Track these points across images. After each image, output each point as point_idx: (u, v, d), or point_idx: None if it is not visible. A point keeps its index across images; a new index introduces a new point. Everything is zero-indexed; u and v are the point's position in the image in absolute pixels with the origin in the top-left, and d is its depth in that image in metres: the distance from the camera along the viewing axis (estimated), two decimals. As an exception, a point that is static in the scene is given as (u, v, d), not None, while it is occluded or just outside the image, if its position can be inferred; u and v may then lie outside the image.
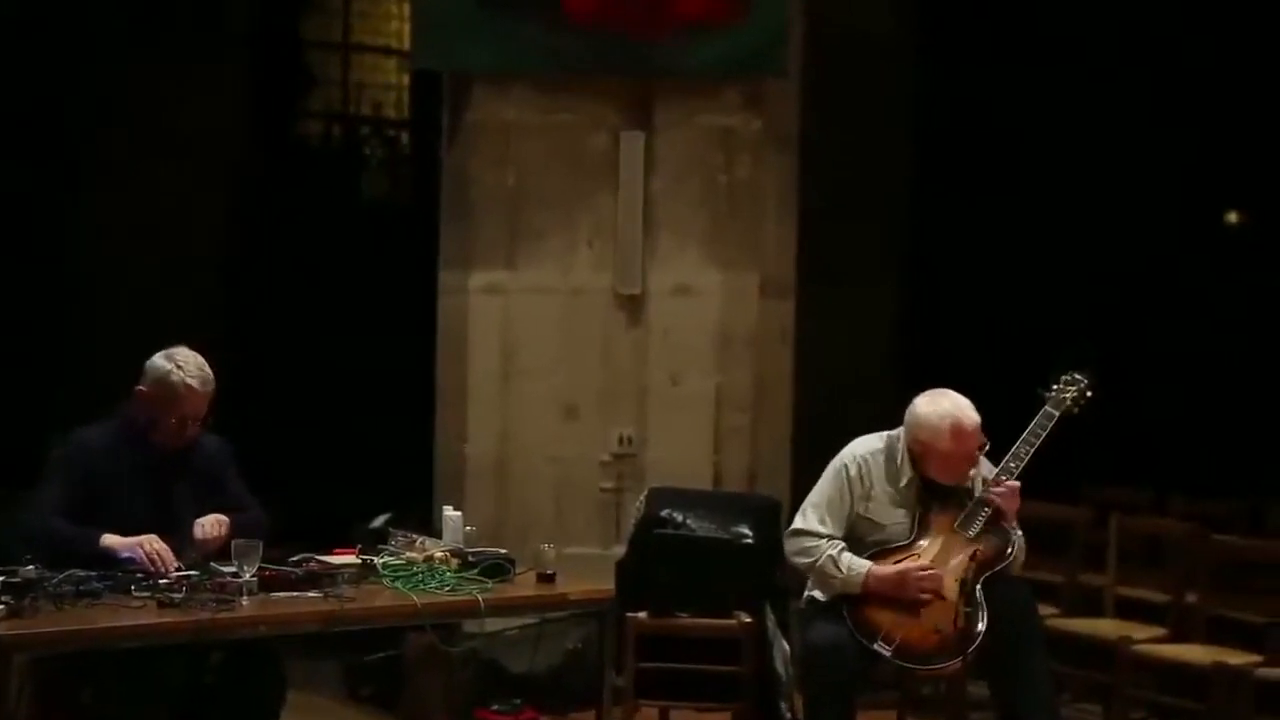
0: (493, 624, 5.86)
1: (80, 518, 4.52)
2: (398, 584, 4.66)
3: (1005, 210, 9.80)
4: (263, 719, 4.61)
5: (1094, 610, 6.73)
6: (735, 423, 6.86)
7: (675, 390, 6.81)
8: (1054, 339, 7.73)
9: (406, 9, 10.34)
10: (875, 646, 4.89)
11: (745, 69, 6.80)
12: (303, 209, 10.54)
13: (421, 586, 4.65)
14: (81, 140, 9.42)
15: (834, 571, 4.97)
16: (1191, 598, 6.35)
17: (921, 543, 5.00)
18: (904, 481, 5.05)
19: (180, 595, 4.28)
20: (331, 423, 9.64)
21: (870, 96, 9.33)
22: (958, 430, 4.95)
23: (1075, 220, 9.84)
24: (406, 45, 10.13)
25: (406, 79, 11.19)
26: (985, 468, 5.11)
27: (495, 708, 6.13)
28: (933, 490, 5.06)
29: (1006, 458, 5.02)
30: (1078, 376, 5.16)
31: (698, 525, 6.03)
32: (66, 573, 4.28)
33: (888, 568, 4.95)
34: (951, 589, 4.88)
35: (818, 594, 5.11)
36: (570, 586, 4.93)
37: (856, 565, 4.96)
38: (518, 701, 6.15)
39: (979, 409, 5.04)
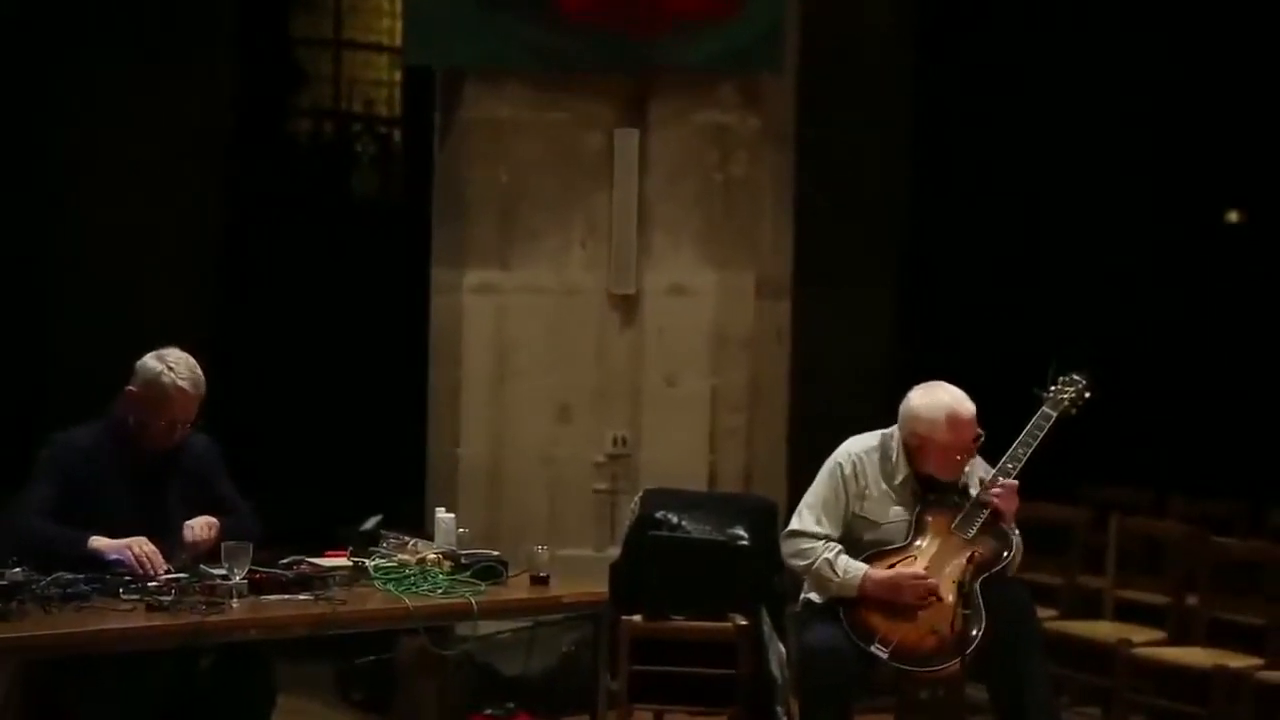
0: (486, 627, 5.85)
1: (68, 519, 4.51)
2: (390, 586, 4.67)
3: (1004, 209, 9.81)
4: (253, 723, 4.61)
5: (1093, 613, 6.74)
6: (731, 424, 6.85)
7: (670, 391, 6.81)
8: (1053, 338, 7.73)
9: (398, 5, 10.37)
10: (872, 649, 4.90)
11: (741, 65, 6.79)
12: (293, 207, 10.54)
13: (414, 589, 4.66)
14: (70, 137, 9.41)
15: (830, 574, 4.98)
16: (1192, 600, 6.36)
17: (918, 544, 5.02)
18: (899, 479, 5.07)
19: (169, 598, 4.28)
20: (323, 423, 9.64)
21: (868, 94, 9.34)
22: (954, 420, 4.98)
23: (1074, 219, 9.86)
24: (398, 41, 10.15)
25: (398, 76, 11.19)
26: (981, 468, 5.13)
27: (488, 712, 6.13)
28: (929, 487, 5.07)
29: (1004, 459, 5.04)
30: (1076, 377, 5.18)
31: (693, 527, 6.03)
32: (54, 575, 4.28)
33: (884, 571, 4.96)
34: (949, 591, 4.88)
35: (814, 596, 5.12)
36: (564, 589, 4.94)
37: (853, 568, 4.97)
38: (511, 705, 6.15)
39: (977, 409, 5.06)
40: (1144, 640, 6.27)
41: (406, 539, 5.02)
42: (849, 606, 4.97)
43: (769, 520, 6.11)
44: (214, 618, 4.23)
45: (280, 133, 11.13)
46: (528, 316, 6.80)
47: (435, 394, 6.99)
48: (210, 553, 4.55)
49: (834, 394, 8.31)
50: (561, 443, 6.80)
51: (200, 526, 4.60)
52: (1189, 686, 6.04)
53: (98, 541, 4.46)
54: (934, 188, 9.84)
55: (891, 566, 4.99)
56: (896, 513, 5.07)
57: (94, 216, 9.45)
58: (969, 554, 4.91)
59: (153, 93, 9.55)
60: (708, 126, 6.82)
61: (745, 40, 6.74)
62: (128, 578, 4.38)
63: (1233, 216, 10.34)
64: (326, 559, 4.77)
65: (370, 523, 5.12)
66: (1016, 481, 5.01)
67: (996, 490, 4.97)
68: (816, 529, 5.05)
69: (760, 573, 5.93)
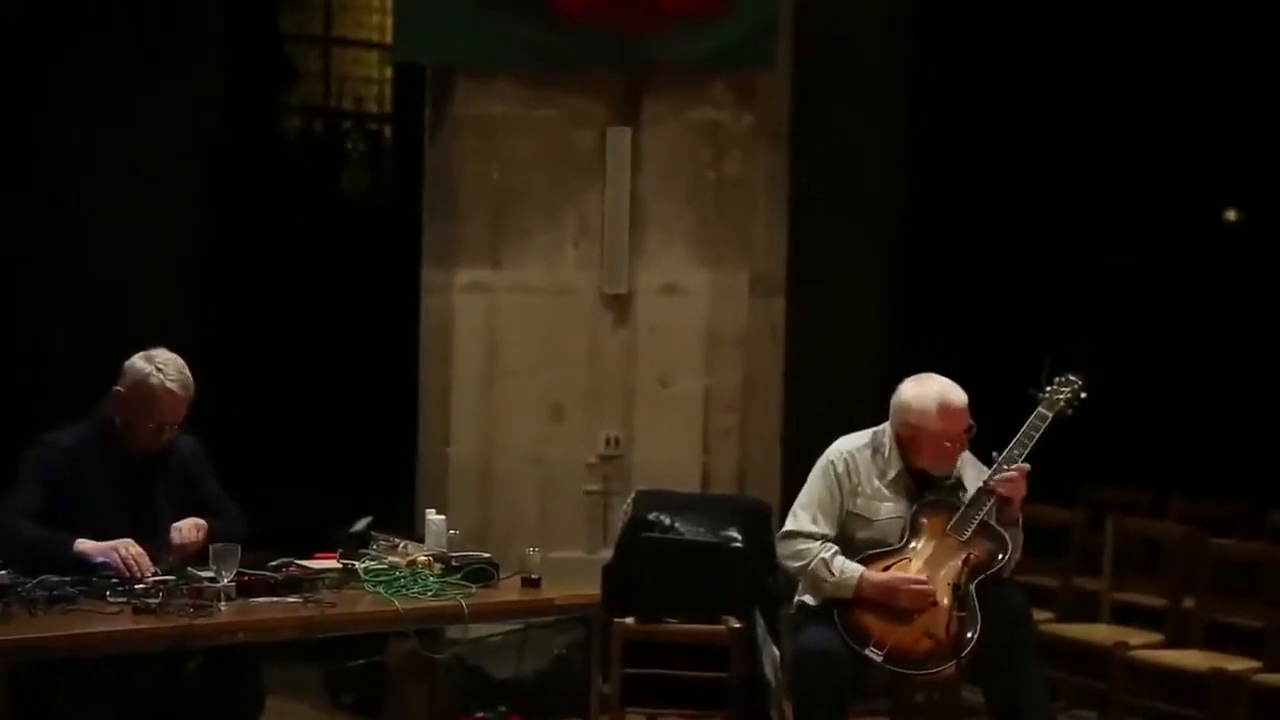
0: (477, 630, 5.88)
1: (54, 521, 4.51)
2: (379, 589, 4.67)
3: (1002, 207, 9.82)
4: (241, 727, 4.62)
5: (1090, 615, 6.75)
6: (724, 424, 6.86)
7: (663, 391, 6.82)
8: (1051, 338, 7.74)
9: (388, 1, 10.35)
10: (867, 652, 4.91)
11: (735, 62, 6.80)
12: (282, 205, 10.53)
13: (404, 591, 4.66)
14: (57, 135, 9.41)
15: (826, 575, 4.99)
16: (1189, 602, 6.37)
17: (913, 546, 5.03)
18: (892, 474, 5.10)
19: (157, 601, 4.28)
20: (312, 424, 9.64)
21: (864, 90, 9.35)
22: (946, 408, 5.02)
23: (1073, 218, 9.87)
24: (388, 38, 10.13)
25: (388, 72, 11.19)
26: (974, 466, 5.15)
27: (479, 715, 6.13)
28: (922, 482, 5.10)
29: (999, 459, 5.05)
30: (1072, 378, 5.19)
31: (686, 528, 6.04)
32: (40, 578, 4.28)
33: (881, 574, 4.98)
34: (944, 593, 4.90)
35: (808, 599, 5.13)
36: (556, 591, 4.94)
37: (849, 569, 4.99)
38: (502, 709, 6.15)
39: (975, 409, 5.08)
40: (1141, 643, 6.28)
41: (396, 541, 5.03)
42: (844, 609, 4.98)
43: (763, 522, 6.13)
44: (202, 620, 4.23)
45: (269, 130, 11.13)
46: (519, 316, 6.80)
47: (426, 394, 7.00)
48: (198, 555, 4.55)
49: (829, 393, 8.32)
50: (553, 443, 6.80)
51: (188, 528, 4.60)
52: (1186, 690, 6.05)
53: (84, 544, 4.46)
54: (931, 185, 9.85)
55: (887, 569, 5.00)
56: (890, 509, 5.09)
57: (81, 215, 9.45)
58: (964, 556, 4.92)
59: (153, 93, 9.57)
60: (701, 124, 6.83)
61: (739, 37, 6.75)
62: (114, 580, 4.38)
63: (1231, 215, 10.35)
64: (316, 561, 4.77)
65: (360, 524, 5.13)
66: (1027, 465, 5.02)
67: (1003, 478, 4.98)
68: (813, 528, 5.06)
69: (754, 575, 5.95)
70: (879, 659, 4.91)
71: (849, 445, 5.16)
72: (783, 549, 5.14)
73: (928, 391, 5.07)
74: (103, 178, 9.40)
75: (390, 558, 4.91)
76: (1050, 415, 5.12)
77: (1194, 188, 9.83)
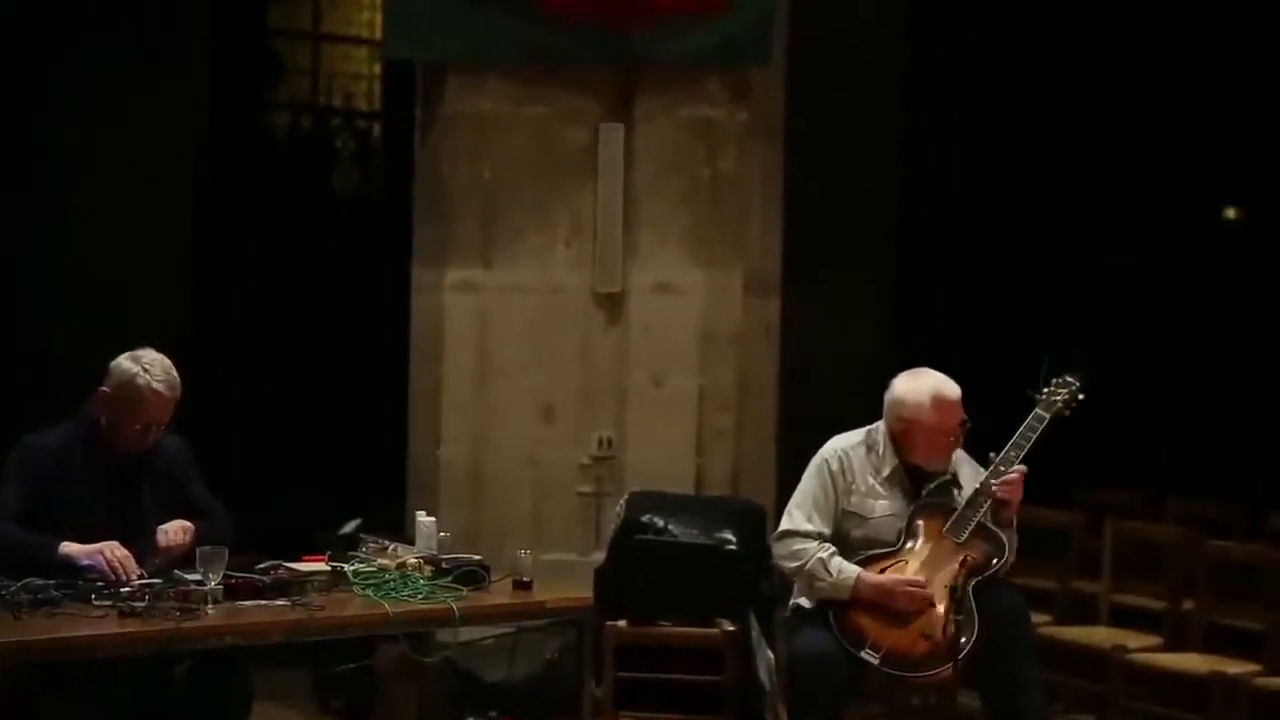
0: (467, 633, 5.86)
1: (38, 522, 4.50)
2: (369, 592, 4.66)
3: (997, 205, 9.82)
4: (229, 732, 4.60)
5: (1088, 618, 6.75)
6: (718, 424, 6.85)
7: (656, 391, 6.81)
8: (1049, 339, 7.74)
9: (378, -3, 10.33)
10: (863, 654, 4.92)
11: (730, 60, 6.79)
12: (270, 203, 10.51)
13: (393, 594, 4.65)
14: (57, 135, 9.41)
15: (823, 575, 5.00)
16: (1188, 605, 6.37)
17: (910, 547, 5.04)
18: (887, 471, 5.11)
19: (143, 604, 4.27)
20: (300, 425, 9.63)
21: (858, 87, 9.34)
22: (940, 401, 5.04)
23: (1071, 218, 9.87)
24: (378, 34, 10.12)
25: (378, 69, 11.18)
26: (970, 466, 5.15)
27: (470, 719, 6.12)
28: (917, 479, 5.10)
29: (996, 461, 5.05)
30: (1069, 379, 5.21)
31: (679, 530, 6.04)
32: (24, 581, 4.27)
33: (878, 576, 4.98)
34: (941, 595, 4.90)
35: (804, 601, 5.13)
36: (548, 594, 4.94)
37: (846, 570, 5.00)
38: (493, 713, 6.15)
39: (971, 410, 5.08)
40: (1139, 646, 6.27)
41: (386, 543, 5.02)
42: (839, 610, 4.99)
43: (757, 524, 6.12)
44: (189, 624, 4.22)
45: (257, 127, 11.11)
46: (511, 315, 6.79)
47: (416, 394, 6.99)
48: (184, 557, 4.54)
49: (824, 393, 8.30)
50: (545, 444, 6.79)
51: (174, 531, 4.59)
52: (1185, 693, 6.05)
53: (69, 548, 4.45)
54: (926, 183, 9.85)
55: (883, 571, 5.01)
56: (885, 507, 5.10)
57: (67, 213, 9.44)
58: (961, 558, 4.92)
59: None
60: (694, 121, 6.82)
61: (734, 34, 6.74)
62: (100, 583, 4.37)
63: (1230, 214, 10.36)
64: (304, 564, 4.77)
65: (349, 526, 5.11)
66: (1024, 467, 5.03)
67: (996, 488, 4.98)
68: (808, 527, 5.07)
69: (748, 577, 5.94)
70: (875, 661, 4.91)
71: (843, 444, 5.18)
72: (779, 549, 5.14)
73: (921, 385, 5.10)
74: (103, 178, 9.41)
75: (380, 560, 4.91)
76: (1047, 417, 5.13)
77: (1193, 188, 9.84)
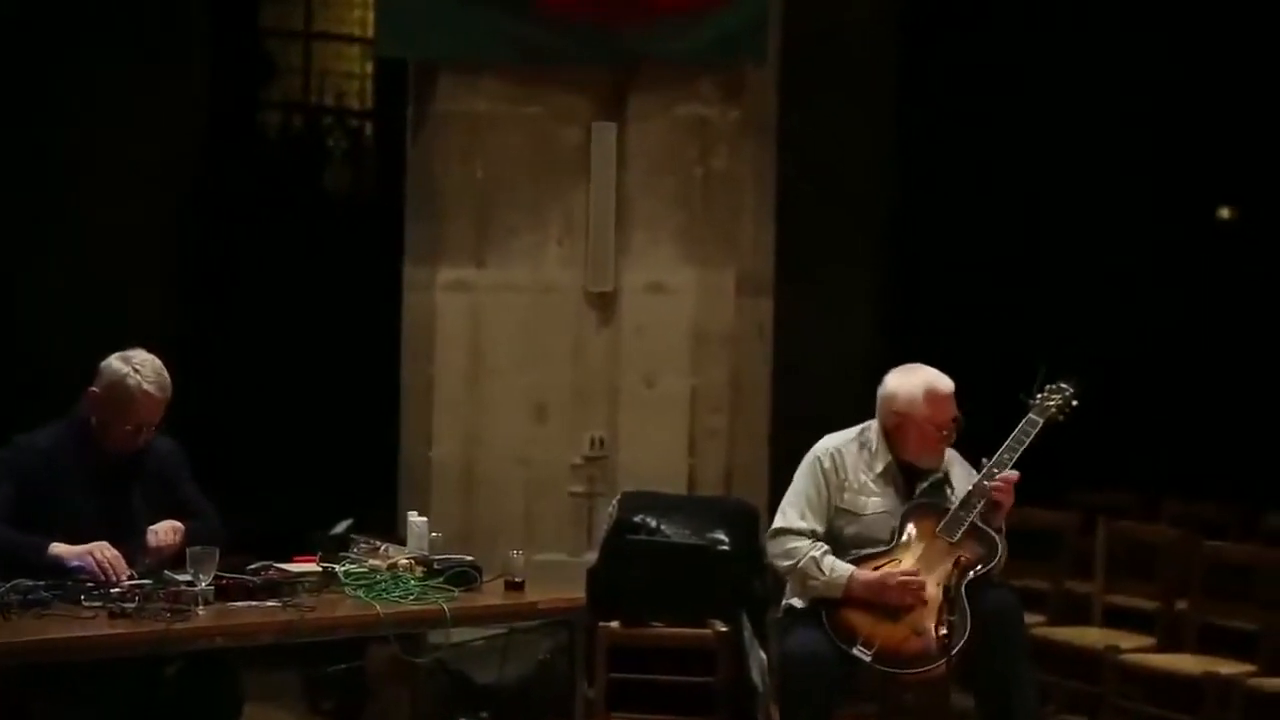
0: (459, 634, 5.85)
1: (28, 523, 4.50)
2: (360, 593, 4.66)
3: (991, 204, 9.83)
4: (220, 733, 4.60)
5: (1081, 618, 6.76)
6: (711, 424, 6.86)
7: (649, 391, 6.81)
8: (1043, 338, 7.77)
9: (370, -5, 10.33)
10: (855, 651, 4.93)
11: (725, 57, 6.79)
12: (262, 202, 10.51)
13: (385, 595, 4.65)
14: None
15: (816, 573, 5.01)
16: (1182, 605, 6.38)
17: (903, 545, 5.05)
18: (880, 467, 5.14)
19: (133, 605, 4.27)
20: (291, 424, 9.62)
21: (852, 85, 9.35)
22: (933, 394, 5.07)
23: (1066, 216, 9.89)
24: (370, 33, 10.12)
25: (370, 68, 11.17)
26: (962, 467, 5.17)
27: (462, 720, 6.13)
28: (911, 476, 5.12)
29: (989, 464, 5.07)
30: (1063, 385, 5.23)
31: (672, 531, 6.05)
32: (13, 582, 4.27)
33: (871, 573, 4.99)
34: (934, 593, 4.91)
35: (796, 602, 5.15)
36: (540, 595, 4.93)
37: (839, 568, 5.01)
38: (485, 714, 6.15)
39: (965, 410, 5.10)
40: (1133, 646, 6.28)
41: (377, 543, 5.02)
42: (831, 608, 5.00)
43: (750, 524, 6.13)
44: (179, 625, 4.22)
45: (249, 126, 11.10)
46: (503, 315, 6.79)
47: (408, 394, 6.99)
48: (175, 558, 4.54)
49: (818, 393, 8.31)
50: (537, 444, 6.79)
51: (164, 531, 4.59)
52: (1179, 694, 6.05)
53: (58, 548, 4.45)
54: (921, 182, 9.86)
55: (876, 570, 5.02)
56: (877, 504, 5.12)
57: (58, 212, 9.43)
58: (955, 558, 4.94)
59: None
60: (687, 119, 6.82)
61: (729, 31, 6.74)
62: (90, 584, 4.37)
63: (1224, 213, 10.37)
64: (295, 564, 4.77)
65: (340, 527, 5.11)
66: (1017, 473, 5.04)
67: (997, 483, 5.00)
68: (801, 524, 5.09)
69: (741, 578, 5.95)
70: (867, 658, 4.92)
71: (835, 442, 5.21)
72: (773, 547, 5.16)
73: (915, 379, 5.13)
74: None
75: (371, 561, 4.91)
76: (1041, 421, 5.16)
77: (1191, 188, 9.85)
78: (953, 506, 5.06)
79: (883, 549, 5.07)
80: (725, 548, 5.97)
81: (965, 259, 9.83)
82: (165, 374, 4.67)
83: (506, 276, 6.80)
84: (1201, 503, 7.51)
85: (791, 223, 7.38)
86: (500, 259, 6.80)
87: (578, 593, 5.15)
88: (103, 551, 4.43)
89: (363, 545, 5.01)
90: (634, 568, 5.87)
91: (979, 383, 5.31)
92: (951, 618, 4.74)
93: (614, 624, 5.73)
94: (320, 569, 4.76)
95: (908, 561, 5.02)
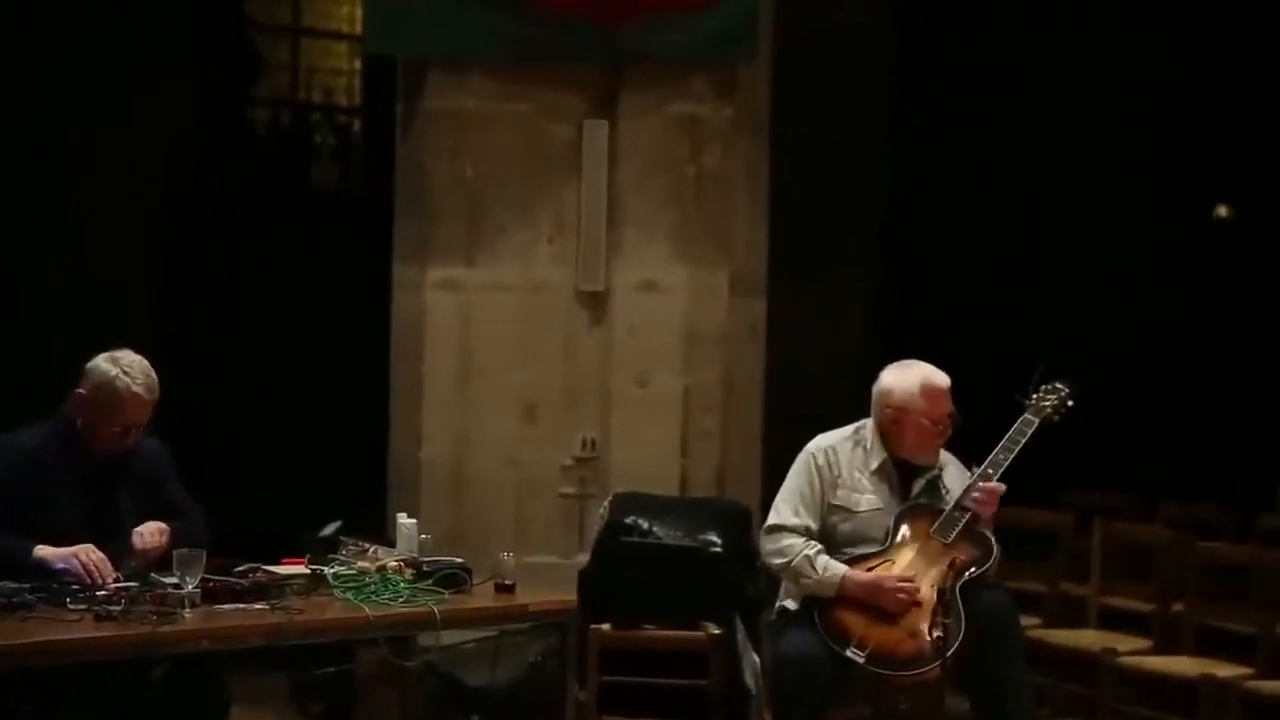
0: (449, 637, 5.83)
1: (12, 525, 4.49)
2: (349, 595, 4.66)
3: (986, 205, 9.84)
4: (207, 737, 4.59)
5: (1077, 621, 6.76)
6: (704, 425, 6.86)
7: (641, 391, 6.81)
8: (1039, 338, 7.77)
9: (359, -9, 10.33)
10: (848, 652, 4.93)
11: (716, 55, 6.79)
12: (249, 199, 10.50)
13: (374, 598, 4.65)
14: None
15: (809, 571, 5.01)
16: (1178, 607, 6.39)
17: (897, 546, 5.05)
18: (875, 464, 5.15)
19: (119, 608, 4.26)
20: (279, 425, 9.62)
21: (846, 83, 9.35)
22: (930, 389, 5.09)
23: (1062, 216, 9.90)
24: (358, 29, 10.11)
25: (358, 64, 11.16)
26: (957, 468, 5.17)
27: (452, 724, 6.12)
28: (906, 474, 5.12)
29: (984, 464, 5.08)
30: (1058, 385, 5.25)
31: (664, 532, 6.04)
32: (-3, 584, 4.26)
33: (865, 574, 5.00)
34: (928, 595, 4.91)
35: (789, 604, 5.15)
36: (530, 597, 4.93)
37: (833, 568, 5.02)
38: (475, 718, 6.14)
39: (961, 411, 5.11)
40: (1129, 649, 6.29)
41: (366, 545, 5.01)
42: (825, 608, 5.01)
43: (743, 525, 6.12)
44: (165, 628, 4.21)
45: (236, 122, 11.09)
46: (493, 314, 6.79)
47: (397, 394, 6.98)
48: (161, 560, 4.53)
49: (811, 393, 8.31)
50: (528, 445, 6.79)
51: (150, 533, 4.58)
52: (1175, 696, 6.06)
53: (43, 551, 4.44)
54: (915, 181, 9.87)
55: (870, 570, 5.02)
56: (871, 501, 5.13)
57: (43, 210, 9.42)
58: (949, 559, 4.95)
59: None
60: (679, 118, 6.82)
61: (720, 29, 6.74)
62: (75, 586, 4.36)
63: (1221, 212, 10.39)
64: (283, 566, 4.76)
65: (329, 529, 5.10)
66: (1002, 486, 5.05)
67: (976, 495, 5.02)
68: (795, 521, 5.10)
69: (734, 580, 5.94)
70: (860, 659, 4.92)
71: (830, 440, 5.23)
72: (767, 544, 5.16)
73: (911, 374, 5.15)
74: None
75: (360, 563, 4.90)
76: (1036, 422, 5.18)
77: (1188, 188, 9.87)
78: (947, 508, 5.06)
79: (876, 549, 5.07)
80: (718, 549, 5.97)
81: (960, 259, 9.84)
82: (153, 374, 4.66)
83: (497, 275, 6.80)
84: (1198, 504, 7.52)
85: (786, 222, 7.38)
86: (490, 258, 6.79)
87: (569, 595, 5.15)
88: (88, 554, 4.42)
89: (351, 547, 5.00)
90: (626, 570, 5.87)
91: (975, 383, 5.32)
92: (946, 620, 4.75)
93: (606, 626, 5.72)
94: (308, 571, 4.76)
95: (901, 562, 5.03)
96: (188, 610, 4.31)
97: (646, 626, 5.75)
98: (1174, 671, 6.07)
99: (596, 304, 6.82)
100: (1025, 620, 5.85)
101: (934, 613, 4.81)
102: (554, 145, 6.79)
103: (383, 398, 7.04)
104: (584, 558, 6.24)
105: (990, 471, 5.07)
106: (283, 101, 11.32)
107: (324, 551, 4.96)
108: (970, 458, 5.17)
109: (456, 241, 6.79)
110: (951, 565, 4.92)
